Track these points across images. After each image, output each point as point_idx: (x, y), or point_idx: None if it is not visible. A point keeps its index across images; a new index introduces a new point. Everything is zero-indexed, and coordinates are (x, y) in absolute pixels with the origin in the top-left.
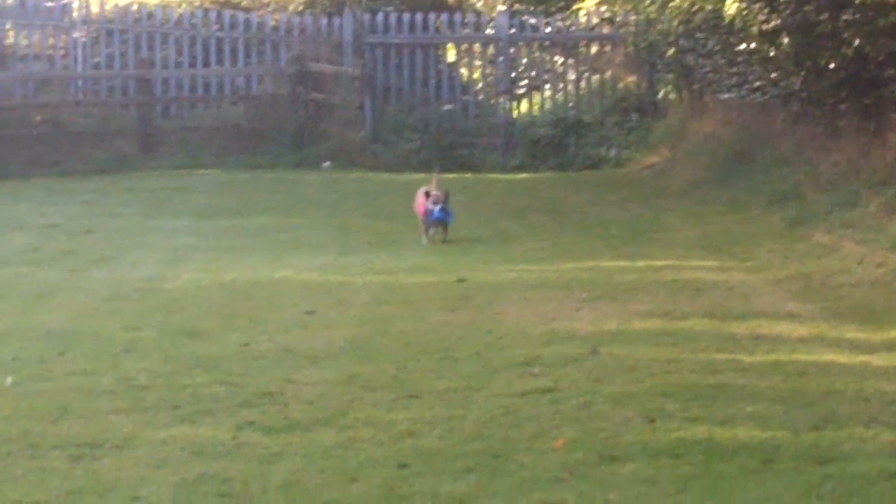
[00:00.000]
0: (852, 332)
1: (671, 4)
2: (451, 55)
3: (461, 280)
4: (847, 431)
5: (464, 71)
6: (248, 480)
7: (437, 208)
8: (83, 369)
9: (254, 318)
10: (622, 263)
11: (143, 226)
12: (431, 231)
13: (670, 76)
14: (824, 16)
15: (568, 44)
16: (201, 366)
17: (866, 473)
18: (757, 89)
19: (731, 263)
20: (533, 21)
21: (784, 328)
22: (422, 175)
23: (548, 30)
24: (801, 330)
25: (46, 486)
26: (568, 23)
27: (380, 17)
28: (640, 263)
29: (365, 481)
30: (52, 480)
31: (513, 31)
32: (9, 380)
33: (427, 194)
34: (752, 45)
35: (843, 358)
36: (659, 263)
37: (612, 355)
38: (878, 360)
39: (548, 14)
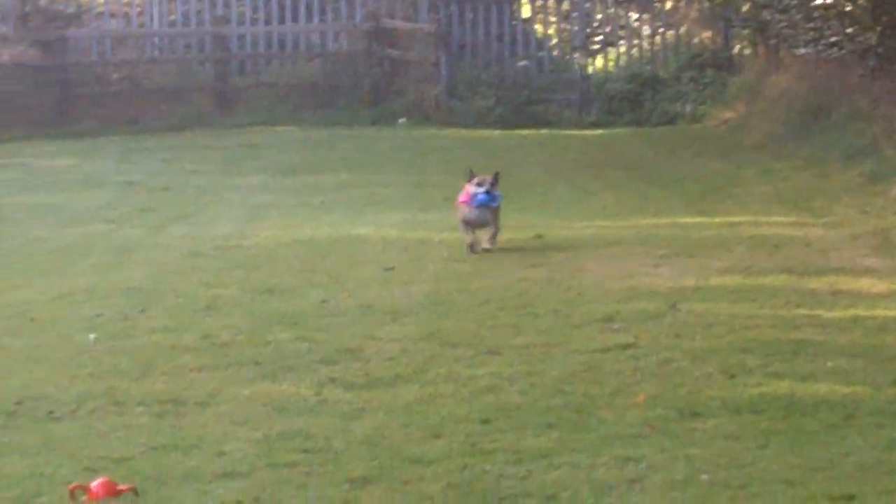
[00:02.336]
0: None
1: None
2: (525, 10)
3: (539, 236)
4: None
5: (538, 27)
6: (330, 436)
7: (481, 190)
8: (165, 326)
9: (333, 275)
10: (700, 219)
11: (220, 183)
12: (473, 232)
13: (745, 31)
14: None
15: None
16: (282, 322)
17: None
18: (833, 44)
19: (809, 219)
20: None
21: (863, 284)
22: (497, 132)
23: None
24: (881, 286)
25: (132, 441)
26: None
27: None
28: (718, 219)
29: (447, 437)
30: (138, 436)
31: None
32: (92, 337)
33: (470, 178)
34: (829, 0)
35: None
36: (736, 219)
37: (691, 311)
38: None
39: None
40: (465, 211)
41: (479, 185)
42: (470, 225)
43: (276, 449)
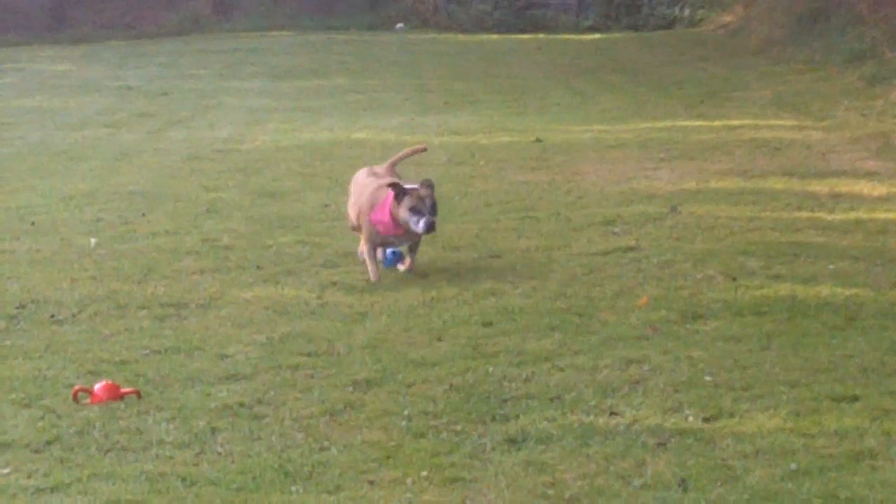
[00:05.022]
0: None
1: None
2: None
3: (538, 140)
4: None
5: None
6: (333, 339)
7: (420, 226)
8: (166, 230)
9: (333, 179)
10: (699, 122)
11: (219, 87)
12: (389, 253)
13: None
14: None
15: None
16: (283, 226)
17: None
18: None
19: (809, 122)
20: None
21: (863, 187)
22: (495, 36)
23: None
24: (881, 188)
25: (134, 345)
26: None
27: None
28: (717, 122)
29: (450, 340)
30: (140, 339)
31: None
32: (93, 240)
33: (399, 193)
34: None
35: None
36: (735, 122)
37: (691, 214)
38: None
39: None
40: (381, 235)
41: (414, 210)
42: (382, 246)
43: (278, 352)
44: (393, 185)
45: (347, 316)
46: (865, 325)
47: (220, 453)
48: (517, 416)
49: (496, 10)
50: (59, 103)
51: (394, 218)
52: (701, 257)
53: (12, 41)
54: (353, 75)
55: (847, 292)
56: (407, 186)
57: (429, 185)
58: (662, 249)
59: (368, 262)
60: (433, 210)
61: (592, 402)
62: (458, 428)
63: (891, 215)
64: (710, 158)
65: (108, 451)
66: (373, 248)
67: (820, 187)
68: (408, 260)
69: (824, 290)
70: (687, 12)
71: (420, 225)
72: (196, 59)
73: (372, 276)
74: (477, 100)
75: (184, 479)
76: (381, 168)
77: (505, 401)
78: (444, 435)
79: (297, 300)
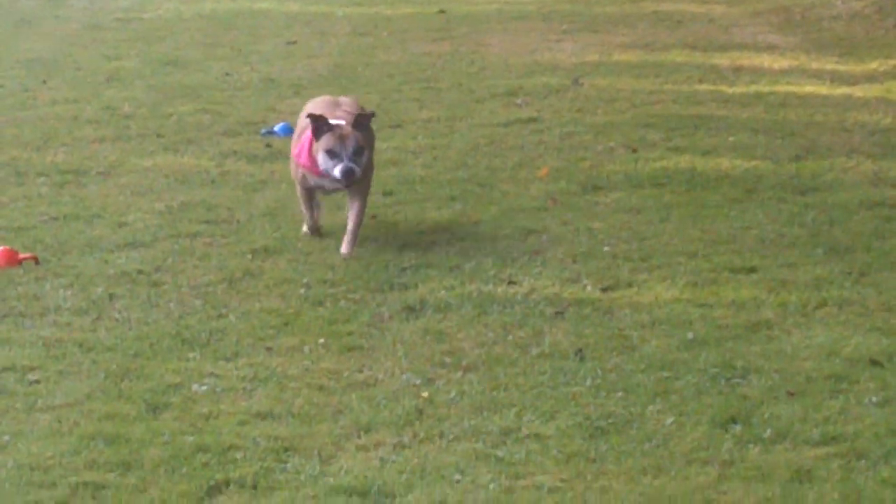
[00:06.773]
0: (833, 64)
1: None
2: None
3: (442, 11)
4: (828, 162)
5: None
6: (233, 207)
7: (336, 172)
8: (66, 97)
9: (235, 48)
10: None
11: None
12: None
13: None
14: None
15: None
16: (184, 95)
17: (847, 202)
18: None
19: None
20: None
21: (765, 60)
22: None
23: None
24: (782, 62)
25: (33, 211)
26: None
27: None
28: None
29: None
30: (39, 206)
31: None
32: None
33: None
34: None
35: (823, 89)
36: None
37: (594, 86)
38: (858, 91)
39: None
40: (309, 176)
41: (331, 153)
42: (319, 191)
43: (178, 220)
44: (313, 118)
45: (247, 184)
46: (764, 197)
47: (117, 320)
48: (416, 285)
49: None
50: None
51: (313, 158)
52: (602, 129)
53: None
54: None
55: (746, 164)
56: (333, 121)
57: (361, 121)
58: (564, 121)
59: (303, 208)
60: (355, 153)
61: (491, 272)
62: (357, 296)
63: (791, 88)
64: (613, 31)
65: (5, 316)
66: (305, 193)
67: (722, 60)
68: (350, 220)
69: (724, 163)
70: None
71: (335, 172)
72: None
73: (306, 225)
74: None
75: (80, 345)
76: (347, 99)
77: (404, 269)
78: (343, 303)
79: (198, 169)
